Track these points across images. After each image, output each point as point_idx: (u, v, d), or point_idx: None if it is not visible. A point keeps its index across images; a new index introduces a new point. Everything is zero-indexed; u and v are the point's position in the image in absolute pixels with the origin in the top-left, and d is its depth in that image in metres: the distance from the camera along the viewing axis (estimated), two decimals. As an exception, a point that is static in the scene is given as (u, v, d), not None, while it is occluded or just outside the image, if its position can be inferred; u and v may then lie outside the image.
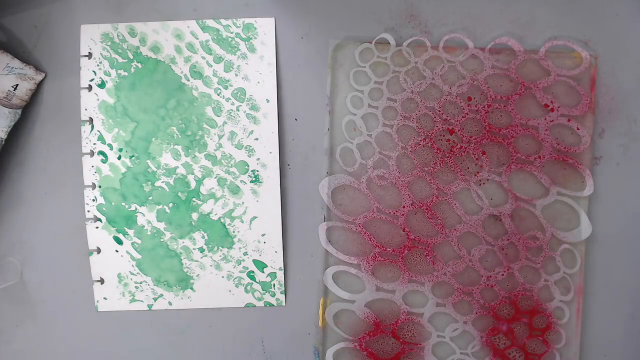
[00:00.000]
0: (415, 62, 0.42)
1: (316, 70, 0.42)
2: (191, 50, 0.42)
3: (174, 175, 0.43)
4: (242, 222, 0.43)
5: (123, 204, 0.43)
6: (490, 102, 0.41)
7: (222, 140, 0.43)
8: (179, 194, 0.43)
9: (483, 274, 0.42)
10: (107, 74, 0.43)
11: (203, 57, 0.42)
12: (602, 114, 0.42)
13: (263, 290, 0.43)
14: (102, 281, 0.43)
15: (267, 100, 0.42)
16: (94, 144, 0.43)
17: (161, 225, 0.43)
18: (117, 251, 0.43)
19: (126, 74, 0.43)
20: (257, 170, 0.43)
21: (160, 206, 0.43)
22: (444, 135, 0.42)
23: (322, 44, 0.42)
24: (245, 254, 0.43)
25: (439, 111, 0.42)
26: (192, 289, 0.43)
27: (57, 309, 0.44)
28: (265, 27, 0.42)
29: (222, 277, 0.43)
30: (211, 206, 0.43)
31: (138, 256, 0.43)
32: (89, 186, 0.43)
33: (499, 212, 0.42)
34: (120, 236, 0.43)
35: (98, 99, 0.43)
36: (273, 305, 0.43)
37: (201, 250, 0.43)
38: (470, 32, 0.42)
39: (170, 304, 0.44)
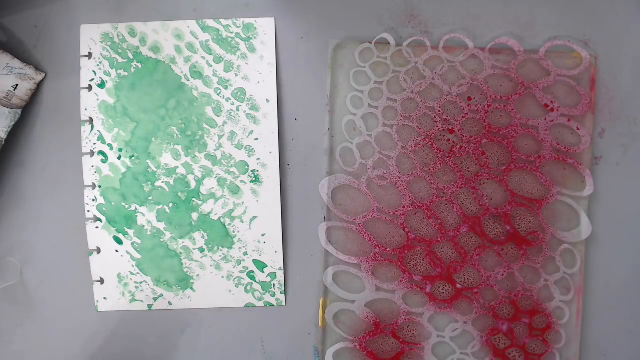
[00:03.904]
0: (415, 62, 0.42)
1: (316, 70, 0.42)
2: (191, 50, 0.42)
3: (174, 175, 0.43)
4: (242, 222, 0.43)
5: (123, 204, 0.43)
6: (490, 102, 0.41)
7: (222, 140, 0.43)
8: (179, 194, 0.43)
9: (483, 274, 0.42)
10: (107, 74, 0.43)
11: (203, 57, 0.42)
12: (602, 114, 0.42)
13: (263, 290, 0.43)
14: (102, 281, 0.43)
15: (267, 100, 0.42)
16: (94, 144, 0.43)
17: (161, 225, 0.43)
18: (117, 251, 0.43)
19: (126, 74, 0.43)
20: (257, 170, 0.43)
21: (160, 206, 0.43)
22: (444, 135, 0.42)
23: (322, 44, 0.42)
24: (245, 254, 0.43)
25: (439, 111, 0.42)
26: (192, 289, 0.43)
27: (57, 309, 0.44)
28: (265, 27, 0.42)
29: (222, 277, 0.43)
30: (211, 206, 0.43)
31: (138, 256, 0.43)
32: (89, 186, 0.43)
33: (499, 212, 0.42)
34: (120, 236, 0.43)
35: (98, 99, 0.43)
36: (273, 305, 0.43)
37: (201, 250, 0.43)
38: (470, 32, 0.42)
39: (170, 304, 0.44)
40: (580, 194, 0.41)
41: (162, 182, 0.43)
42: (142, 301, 0.44)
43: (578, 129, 0.41)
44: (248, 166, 0.43)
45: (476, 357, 0.42)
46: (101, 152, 0.43)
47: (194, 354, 0.44)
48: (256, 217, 0.43)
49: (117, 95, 0.43)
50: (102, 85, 0.43)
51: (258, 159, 0.43)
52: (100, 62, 0.43)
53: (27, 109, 0.43)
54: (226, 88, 0.42)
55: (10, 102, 0.42)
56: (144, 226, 0.43)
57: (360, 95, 0.42)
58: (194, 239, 0.43)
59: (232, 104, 0.42)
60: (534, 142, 0.41)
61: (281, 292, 0.43)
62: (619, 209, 0.42)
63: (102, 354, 0.44)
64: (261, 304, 0.43)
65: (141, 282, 0.43)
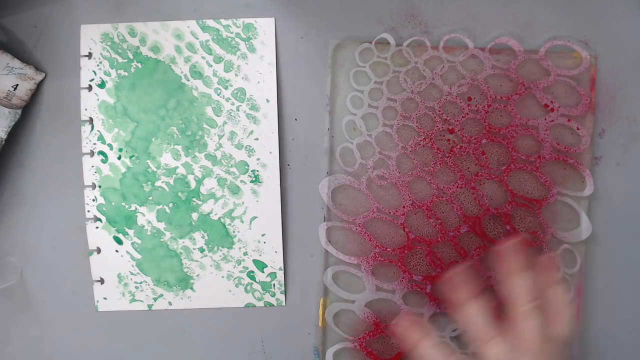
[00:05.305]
0: (415, 62, 0.42)
1: (316, 70, 0.42)
2: (191, 50, 0.42)
3: (174, 175, 0.43)
4: (242, 222, 0.43)
5: (123, 204, 0.43)
6: (490, 102, 0.41)
7: (222, 140, 0.43)
8: (179, 194, 0.43)
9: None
10: (107, 74, 0.43)
11: (203, 57, 0.42)
12: (602, 114, 0.42)
13: (263, 290, 0.43)
14: (102, 281, 0.43)
15: (267, 100, 0.42)
16: (94, 144, 0.43)
17: (161, 225, 0.43)
18: (117, 251, 0.43)
19: (126, 74, 0.43)
20: (257, 170, 0.43)
21: (160, 206, 0.43)
22: (444, 135, 0.42)
23: (322, 44, 0.42)
24: (245, 254, 0.43)
25: (439, 111, 0.42)
26: (192, 289, 0.43)
27: (57, 309, 0.44)
28: (265, 27, 0.42)
29: (222, 277, 0.43)
30: (211, 206, 0.43)
31: (138, 256, 0.43)
32: (89, 186, 0.43)
33: (499, 212, 0.42)
34: (120, 236, 0.43)
35: (98, 99, 0.43)
36: (273, 305, 0.43)
37: (201, 250, 0.43)
38: (470, 32, 0.42)
39: (170, 304, 0.44)
40: (580, 194, 0.41)
41: (162, 182, 0.43)
42: (142, 301, 0.44)
43: (578, 129, 0.41)
44: (248, 166, 0.43)
45: (476, 357, 0.42)
46: (101, 152, 0.43)
47: (194, 354, 0.44)
48: (256, 217, 0.43)
49: (117, 95, 0.43)
50: (102, 85, 0.43)
51: (258, 159, 0.43)
52: (100, 62, 0.43)
53: (27, 109, 0.43)
54: (226, 88, 0.42)
55: (10, 102, 0.42)
56: (144, 226, 0.43)
57: (360, 95, 0.42)
58: (194, 239, 0.43)
59: (232, 104, 0.42)
60: (534, 142, 0.41)
61: (281, 292, 0.43)
62: (619, 209, 0.42)
63: (102, 354, 0.44)
64: (261, 304, 0.43)
65: (141, 282, 0.43)
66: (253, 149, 0.43)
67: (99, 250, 0.43)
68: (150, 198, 0.43)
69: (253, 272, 0.43)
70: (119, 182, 0.43)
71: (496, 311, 0.37)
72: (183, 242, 0.43)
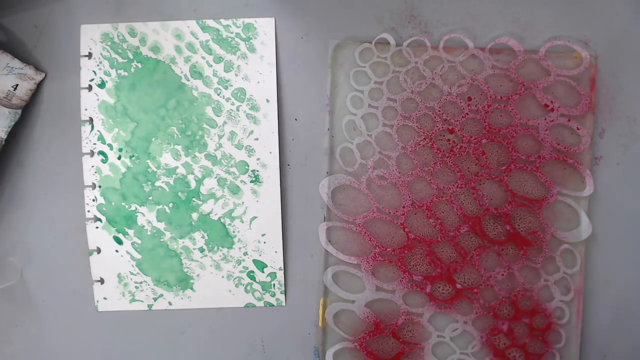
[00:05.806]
0: (415, 62, 0.42)
1: (316, 70, 0.42)
2: (191, 50, 0.42)
3: (174, 175, 0.43)
4: (242, 222, 0.43)
5: (123, 204, 0.43)
6: (490, 102, 0.41)
7: (222, 140, 0.43)
8: (179, 194, 0.43)
9: (483, 274, 0.42)
10: (107, 74, 0.43)
11: (203, 57, 0.42)
12: (602, 114, 0.42)
13: (263, 290, 0.43)
14: (102, 281, 0.43)
15: (267, 100, 0.42)
16: (94, 144, 0.43)
17: (161, 225, 0.43)
18: (117, 251, 0.43)
19: (126, 74, 0.43)
20: (257, 170, 0.43)
21: (160, 206, 0.43)
22: (444, 135, 0.42)
23: (322, 44, 0.42)
24: (245, 254, 0.43)
25: (439, 111, 0.42)
26: (192, 289, 0.43)
27: (57, 309, 0.44)
28: (265, 27, 0.42)
29: (222, 277, 0.43)
30: (211, 206, 0.43)
31: (138, 256, 0.43)
32: (89, 186, 0.43)
33: (499, 212, 0.42)
34: (120, 236, 0.43)
35: (98, 99, 0.43)
36: (273, 305, 0.43)
37: (201, 250, 0.43)
38: (470, 32, 0.42)
39: (170, 304, 0.44)
40: (580, 194, 0.41)
41: (162, 182, 0.43)
42: (142, 301, 0.44)
43: (578, 129, 0.41)
44: (248, 166, 0.43)
45: (476, 357, 0.42)
46: (101, 152, 0.43)
47: (194, 354, 0.44)
48: (256, 217, 0.43)
49: (117, 95, 0.43)
50: (102, 85, 0.43)
51: (258, 159, 0.43)
52: (100, 62, 0.43)
53: (27, 109, 0.43)
54: (226, 88, 0.42)
55: (10, 102, 0.42)
56: (144, 226, 0.43)
57: (360, 95, 0.42)
58: (194, 239, 0.43)
59: (232, 104, 0.42)
60: (534, 142, 0.41)
61: (281, 292, 0.43)
62: (619, 209, 0.42)
63: (102, 354, 0.44)
64: (261, 304, 0.43)
65: (141, 282, 0.43)
66: (253, 149, 0.43)
67: (99, 250, 0.43)
68: (150, 198, 0.43)
69: (253, 272, 0.43)
70: (119, 182, 0.43)
71: None
72: (183, 242, 0.43)
